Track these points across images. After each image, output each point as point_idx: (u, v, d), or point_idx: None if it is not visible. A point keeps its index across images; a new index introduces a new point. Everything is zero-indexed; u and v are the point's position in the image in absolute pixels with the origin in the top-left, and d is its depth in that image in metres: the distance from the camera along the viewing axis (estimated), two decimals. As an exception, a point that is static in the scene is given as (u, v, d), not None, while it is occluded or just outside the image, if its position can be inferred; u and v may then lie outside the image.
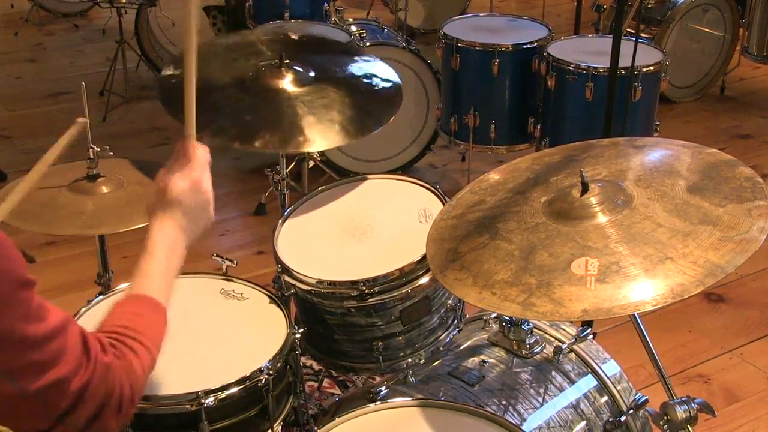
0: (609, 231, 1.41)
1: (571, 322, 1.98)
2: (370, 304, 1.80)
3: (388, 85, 2.12)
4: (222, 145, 1.84)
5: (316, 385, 2.59)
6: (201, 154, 1.37)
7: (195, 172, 1.35)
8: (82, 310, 1.80)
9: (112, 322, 1.19)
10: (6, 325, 0.97)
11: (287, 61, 2.05)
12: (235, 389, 1.63)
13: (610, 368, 1.91)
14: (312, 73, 2.07)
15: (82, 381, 1.06)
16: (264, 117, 1.97)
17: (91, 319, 1.75)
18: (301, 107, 1.98)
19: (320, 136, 1.95)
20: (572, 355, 1.91)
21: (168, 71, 2.10)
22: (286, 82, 2.03)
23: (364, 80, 2.14)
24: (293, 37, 2.33)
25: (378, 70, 2.17)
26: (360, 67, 2.19)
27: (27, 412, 1.05)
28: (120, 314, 1.21)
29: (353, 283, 1.79)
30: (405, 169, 3.89)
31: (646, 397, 1.84)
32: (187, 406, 1.60)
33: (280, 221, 1.99)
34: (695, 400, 1.53)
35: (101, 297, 1.88)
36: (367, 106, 2.08)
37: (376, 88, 2.12)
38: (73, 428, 1.08)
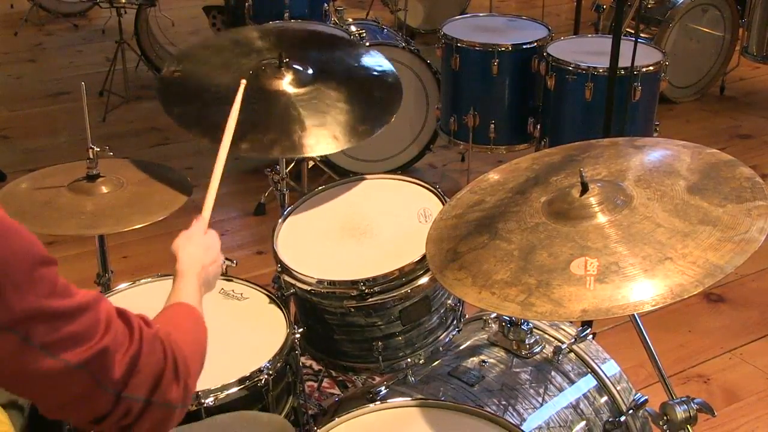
0: (608, 231, 1.40)
1: (571, 322, 1.98)
2: (370, 304, 1.80)
3: (387, 78, 2.11)
4: (207, 146, 1.84)
5: (315, 385, 2.58)
6: (214, 235, 1.50)
7: (209, 238, 1.48)
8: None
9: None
10: (32, 302, 0.98)
11: (287, 60, 2.05)
12: (234, 389, 1.63)
13: (610, 368, 1.91)
14: (311, 71, 2.07)
15: (132, 350, 1.08)
16: (256, 119, 1.96)
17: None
18: (295, 109, 1.97)
19: (310, 143, 1.95)
20: (572, 355, 1.91)
21: (169, 68, 2.10)
22: (285, 83, 2.03)
23: (363, 71, 2.13)
24: (294, 30, 2.32)
25: (375, 61, 2.18)
26: (362, 60, 2.19)
27: (81, 391, 1.04)
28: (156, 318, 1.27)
29: (353, 283, 1.79)
30: (404, 169, 3.89)
31: (646, 397, 1.84)
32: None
33: (280, 221, 1.99)
34: (695, 400, 1.53)
35: (101, 297, 1.88)
36: (365, 104, 2.07)
37: (374, 75, 2.12)
38: (135, 403, 1.08)
